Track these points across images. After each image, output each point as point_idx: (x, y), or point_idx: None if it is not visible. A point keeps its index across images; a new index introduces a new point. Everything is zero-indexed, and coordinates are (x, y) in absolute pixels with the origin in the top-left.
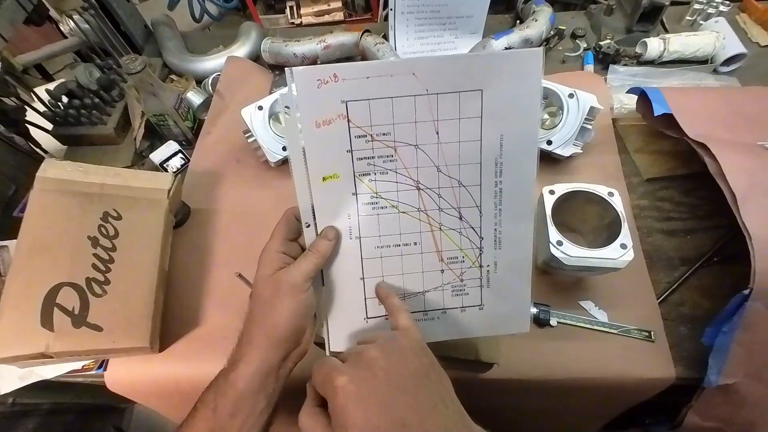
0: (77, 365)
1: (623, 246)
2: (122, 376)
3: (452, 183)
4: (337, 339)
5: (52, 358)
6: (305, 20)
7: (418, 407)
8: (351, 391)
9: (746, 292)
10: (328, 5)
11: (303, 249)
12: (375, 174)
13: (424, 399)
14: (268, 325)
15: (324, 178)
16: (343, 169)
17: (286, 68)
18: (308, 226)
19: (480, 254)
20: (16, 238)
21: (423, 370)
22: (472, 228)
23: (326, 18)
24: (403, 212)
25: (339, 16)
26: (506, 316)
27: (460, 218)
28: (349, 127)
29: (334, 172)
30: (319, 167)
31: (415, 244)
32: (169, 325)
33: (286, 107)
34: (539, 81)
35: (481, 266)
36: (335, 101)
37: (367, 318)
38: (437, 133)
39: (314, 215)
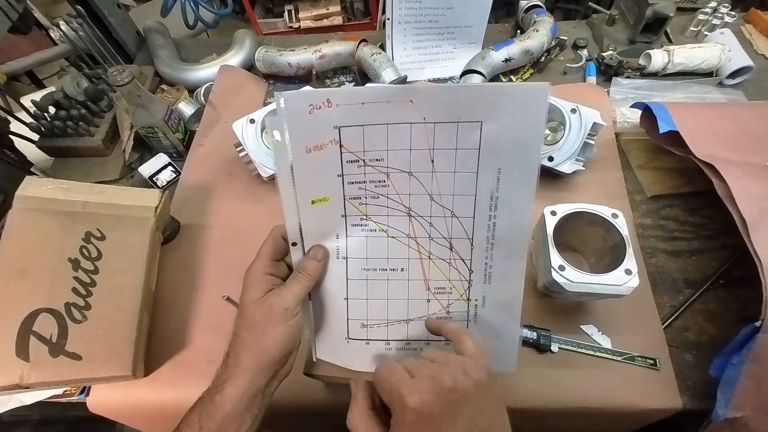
0: (58, 391)
1: (628, 271)
2: (105, 401)
3: (445, 213)
4: (323, 350)
5: (28, 388)
6: (304, 24)
7: None
8: (423, 413)
9: (758, 324)
10: (327, 9)
11: (290, 268)
12: (366, 198)
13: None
14: (259, 349)
15: (313, 202)
16: (334, 192)
17: (275, 92)
18: (295, 245)
19: (468, 287)
20: None
21: (493, 402)
22: (462, 260)
23: (325, 22)
24: (392, 237)
25: (338, 20)
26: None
27: (451, 249)
28: (341, 153)
29: (324, 196)
30: (308, 192)
31: (403, 270)
32: (155, 347)
33: (275, 131)
34: (543, 118)
35: (468, 300)
36: (327, 127)
37: (348, 338)
38: (432, 161)
39: (302, 235)
